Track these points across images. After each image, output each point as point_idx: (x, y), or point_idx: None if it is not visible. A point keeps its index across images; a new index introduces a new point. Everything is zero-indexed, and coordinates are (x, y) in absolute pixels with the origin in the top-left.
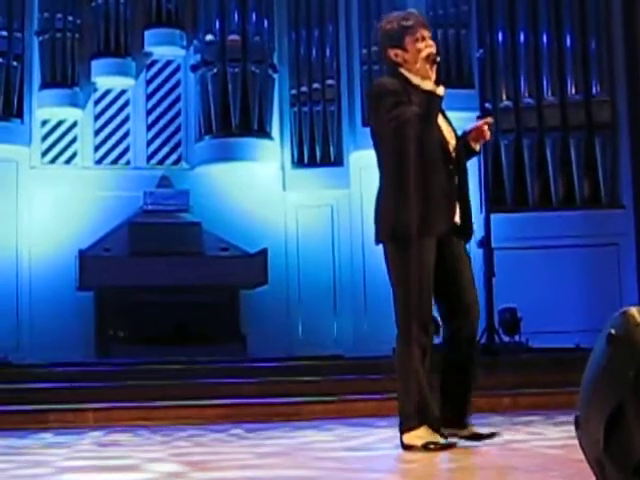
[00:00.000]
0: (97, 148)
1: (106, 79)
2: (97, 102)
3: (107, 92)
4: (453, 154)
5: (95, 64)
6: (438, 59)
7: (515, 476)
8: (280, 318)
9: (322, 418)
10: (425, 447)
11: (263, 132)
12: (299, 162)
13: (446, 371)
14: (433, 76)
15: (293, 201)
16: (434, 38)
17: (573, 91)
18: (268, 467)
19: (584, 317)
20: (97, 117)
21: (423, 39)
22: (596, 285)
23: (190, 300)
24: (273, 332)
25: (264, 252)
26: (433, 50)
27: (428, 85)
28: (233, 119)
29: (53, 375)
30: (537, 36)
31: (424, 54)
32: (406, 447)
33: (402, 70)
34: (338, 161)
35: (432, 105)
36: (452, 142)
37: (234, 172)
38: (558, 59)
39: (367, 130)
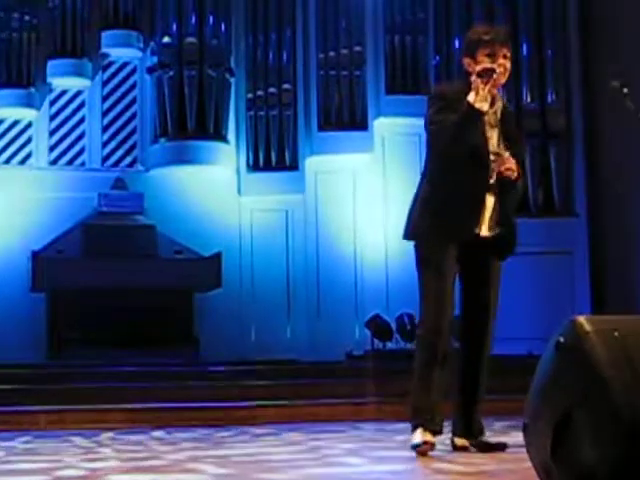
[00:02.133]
0: (52, 149)
1: (62, 80)
2: (52, 103)
3: (63, 93)
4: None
5: (51, 64)
6: (502, 79)
7: None
8: (233, 322)
9: (274, 422)
10: (412, 448)
11: (219, 135)
12: (254, 166)
13: (459, 380)
14: (483, 91)
15: (248, 205)
16: (390, 44)
17: (529, 99)
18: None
19: (537, 325)
20: (52, 118)
21: (494, 55)
22: (549, 293)
23: (143, 303)
24: (226, 336)
25: (218, 255)
26: (487, 66)
27: (471, 97)
28: (189, 122)
29: (3, 377)
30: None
31: (477, 68)
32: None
33: (472, 79)
34: (293, 166)
35: (468, 117)
36: (504, 154)
37: (189, 175)
38: (514, 67)
39: (323, 135)
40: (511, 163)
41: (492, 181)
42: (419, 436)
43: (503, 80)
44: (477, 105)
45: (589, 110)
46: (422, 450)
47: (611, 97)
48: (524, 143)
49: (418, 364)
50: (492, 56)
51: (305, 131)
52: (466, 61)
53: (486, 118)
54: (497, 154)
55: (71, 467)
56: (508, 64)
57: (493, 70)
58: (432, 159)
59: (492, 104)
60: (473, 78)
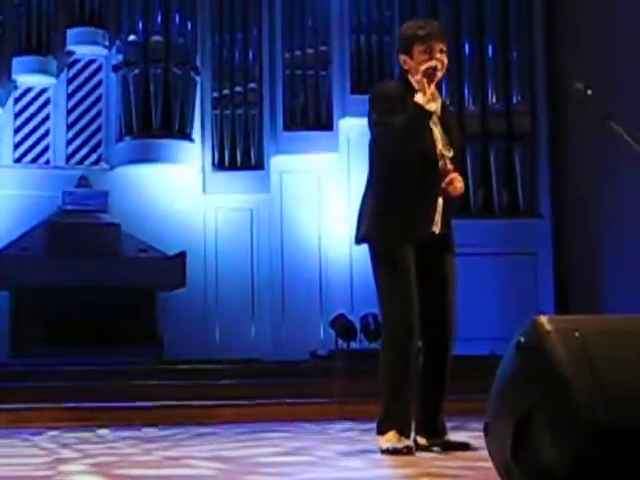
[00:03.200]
0: (16, 146)
1: (27, 77)
2: (17, 100)
3: (27, 90)
4: (448, 166)
5: (16, 62)
6: (439, 74)
7: None
8: (197, 321)
9: (237, 422)
10: (384, 451)
11: (184, 134)
12: (220, 165)
13: (422, 379)
14: (429, 90)
15: (213, 204)
16: (356, 43)
17: (494, 100)
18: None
19: (500, 325)
20: (17, 115)
21: (431, 51)
22: (513, 293)
23: (107, 301)
24: (190, 335)
25: (182, 254)
26: (432, 64)
27: (420, 98)
28: (154, 120)
29: None
30: (459, 45)
31: (422, 67)
32: (380, 450)
33: (409, 76)
34: (259, 165)
35: (417, 118)
36: (447, 154)
37: (154, 173)
38: (480, 68)
39: (288, 134)
40: (460, 182)
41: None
42: (396, 440)
43: (440, 75)
44: (426, 106)
45: (554, 112)
46: (404, 454)
47: (575, 99)
48: (463, 139)
49: (389, 365)
50: (429, 52)
51: (270, 130)
52: (402, 58)
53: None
54: (441, 155)
55: (29, 465)
56: (445, 59)
57: (435, 68)
58: (379, 161)
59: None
60: (418, 78)
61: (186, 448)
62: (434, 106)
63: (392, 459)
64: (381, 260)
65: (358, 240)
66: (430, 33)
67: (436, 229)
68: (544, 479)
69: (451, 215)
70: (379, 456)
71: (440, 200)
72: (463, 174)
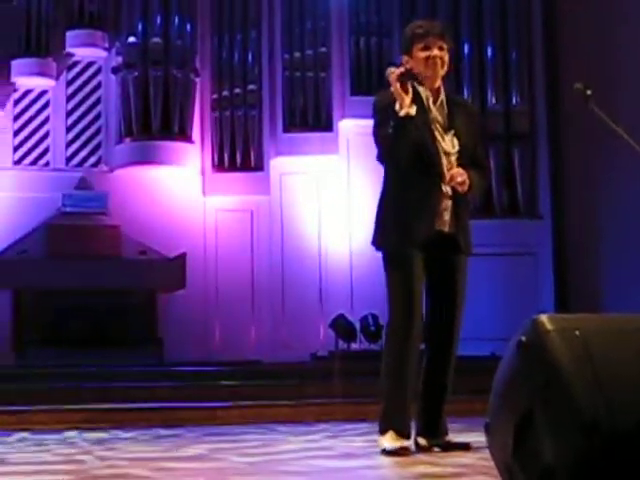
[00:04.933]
0: (16, 149)
1: (26, 79)
2: (17, 102)
3: (27, 92)
4: (452, 163)
5: (15, 64)
6: (440, 71)
7: None
8: (198, 322)
9: (237, 423)
10: (383, 452)
11: (184, 136)
12: (219, 166)
13: (424, 380)
14: (407, 96)
15: (213, 205)
16: (355, 45)
17: (493, 101)
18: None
19: (501, 325)
20: (16, 117)
21: (428, 48)
22: (513, 294)
23: (107, 303)
24: (190, 336)
25: (183, 256)
26: (402, 69)
27: (397, 106)
28: (154, 122)
29: None
30: (458, 46)
31: (394, 74)
32: (380, 450)
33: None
34: (258, 166)
35: (398, 127)
36: (452, 151)
37: (154, 175)
38: (479, 69)
39: (288, 136)
40: (462, 176)
41: (446, 187)
42: (393, 441)
43: (441, 72)
44: (402, 113)
45: (553, 112)
46: (399, 455)
47: (575, 99)
48: (479, 133)
49: (389, 366)
50: (427, 49)
51: (270, 132)
52: (404, 59)
53: (432, 116)
54: (447, 153)
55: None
56: (445, 56)
57: (408, 73)
58: (385, 168)
59: (435, 100)
60: (392, 87)
61: (191, 448)
62: (412, 110)
63: (391, 459)
64: (388, 263)
65: (373, 244)
66: (428, 31)
67: (445, 228)
68: (545, 477)
69: (464, 214)
70: (379, 456)
71: (449, 198)
72: (480, 166)
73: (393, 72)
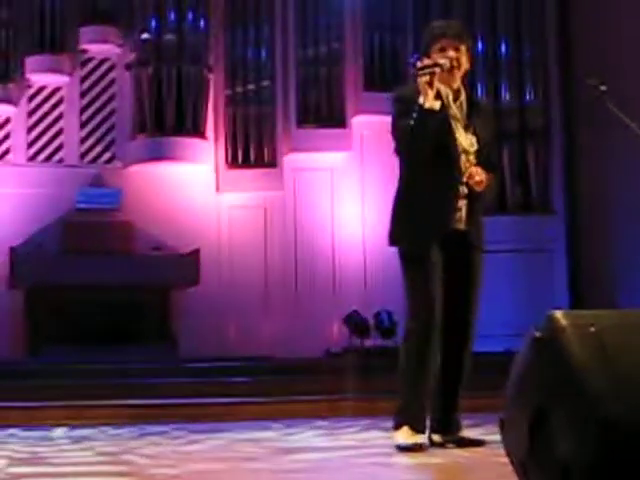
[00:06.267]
0: (30, 145)
1: (40, 76)
2: (31, 99)
3: (41, 89)
4: (471, 161)
5: (29, 60)
6: (437, 70)
7: (441, 478)
8: (212, 318)
9: (253, 419)
10: (397, 447)
11: (197, 132)
12: (233, 163)
13: (439, 376)
14: (431, 90)
15: (226, 202)
16: (369, 41)
17: (507, 97)
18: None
19: (515, 321)
20: (31, 114)
21: (443, 50)
22: (527, 290)
23: (122, 299)
24: (204, 332)
25: (196, 252)
26: (427, 62)
27: (421, 99)
28: (167, 119)
29: None
30: (472, 43)
31: (417, 66)
32: (395, 446)
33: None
34: (272, 163)
35: (421, 120)
36: (470, 149)
37: (167, 171)
38: (493, 66)
39: (302, 132)
40: (480, 175)
41: (463, 186)
42: (408, 437)
43: (458, 74)
44: (427, 106)
45: (567, 108)
46: (413, 451)
47: (589, 95)
48: (494, 135)
49: (407, 362)
50: (443, 50)
51: (284, 128)
52: (423, 60)
53: (451, 113)
54: (465, 151)
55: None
56: (462, 57)
57: (435, 64)
58: (402, 163)
59: (455, 99)
60: (419, 79)
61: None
62: (437, 104)
63: (405, 455)
64: (404, 261)
65: (389, 242)
66: (444, 32)
67: (461, 226)
68: (560, 475)
69: (479, 212)
70: (393, 452)
71: (465, 196)
72: (493, 167)
73: (421, 64)
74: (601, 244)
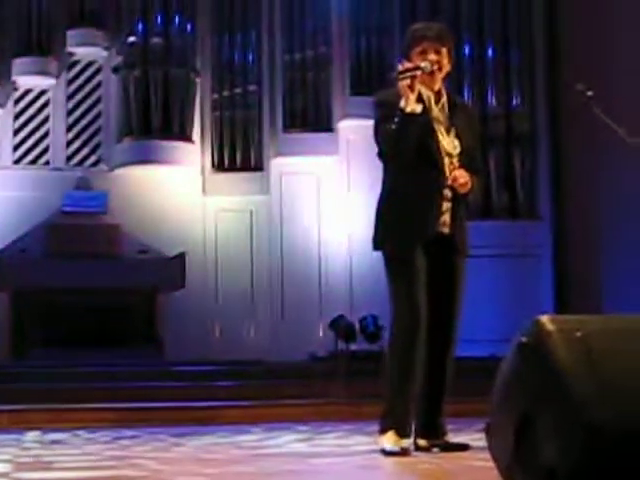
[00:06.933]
0: (16, 148)
1: (26, 78)
2: (17, 101)
3: (27, 91)
4: (454, 163)
5: (16, 63)
6: (418, 73)
7: None
8: (198, 322)
9: (238, 423)
10: (382, 451)
11: (184, 135)
12: (219, 166)
13: (423, 380)
14: (412, 94)
15: (212, 205)
16: (356, 45)
17: (494, 102)
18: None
19: (500, 327)
20: (17, 116)
21: (424, 52)
22: (513, 295)
23: (107, 302)
24: (190, 336)
25: (182, 255)
26: (408, 65)
27: (402, 102)
28: (154, 122)
29: None
30: (459, 47)
31: (398, 69)
32: (380, 450)
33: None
34: (259, 166)
35: (403, 123)
36: (453, 152)
37: (154, 175)
38: (479, 70)
39: (288, 136)
40: (464, 178)
41: (446, 189)
42: (393, 441)
43: (440, 76)
44: (408, 109)
45: (554, 114)
46: (399, 455)
47: (576, 100)
48: (478, 136)
49: (392, 366)
50: (423, 53)
51: (270, 132)
52: (403, 62)
53: (433, 115)
54: (448, 154)
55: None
56: (443, 59)
57: (416, 67)
58: (385, 167)
59: (437, 101)
60: (400, 83)
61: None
62: (418, 108)
63: (390, 459)
64: (388, 264)
65: (374, 247)
66: (425, 35)
67: (445, 229)
68: (547, 479)
69: (463, 216)
70: (378, 456)
71: (449, 199)
72: (477, 169)
73: (402, 68)
74: (587, 250)
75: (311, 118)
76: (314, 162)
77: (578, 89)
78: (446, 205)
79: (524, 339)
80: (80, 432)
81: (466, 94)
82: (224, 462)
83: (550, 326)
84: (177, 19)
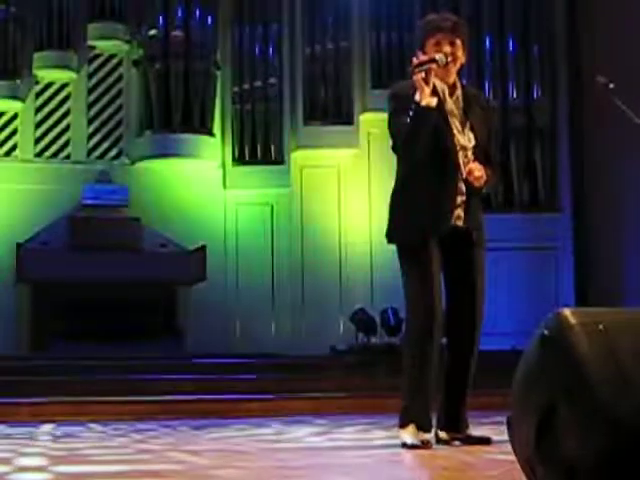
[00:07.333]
0: (37, 141)
1: (48, 72)
2: (38, 95)
3: (49, 85)
4: (469, 157)
5: (37, 56)
6: (433, 65)
7: (447, 476)
8: (218, 315)
9: (259, 416)
10: (403, 445)
11: (204, 129)
12: (240, 160)
13: (446, 373)
14: (427, 87)
15: (233, 198)
16: (376, 38)
17: (514, 95)
18: (195, 464)
19: (521, 320)
20: (38, 110)
21: (438, 44)
22: (534, 288)
23: (128, 296)
24: (211, 329)
25: (203, 249)
26: (423, 58)
27: (417, 96)
28: (175, 115)
29: None
30: (480, 40)
31: (414, 63)
32: (401, 444)
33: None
34: (279, 159)
35: (418, 116)
36: (468, 145)
37: (174, 168)
38: (500, 63)
39: (309, 129)
40: (479, 171)
41: (461, 182)
42: (413, 435)
43: (454, 68)
44: (423, 103)
45: (575, 105)
46: (420, 449)
47: (597, 93)
48: (494, 128)
49: (410, 360)
50: (438, 45)
51: (291, 125)
52: (418, 54)
53: (448, 108)
54: (463, 147)
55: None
56: (458, 52)
57: (432, 60)
58: (399, 160)
59: (451, 93)
60: (414, 76)
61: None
62: (433, 101)
63: (411, 453)
64: (403, 258)
65: (387, 240)
66: (439, 26)
67: (459, 223)
68: (567, 473)
69: (478, 209)
70: (399, 450)
71: (463, 193)
72: (489, 163)
73: (417, 61)
74: (608, 242)
75: (332, 111)
76: (335, 155)
77: (599, 81)
78: (460, 199)
79: (545, 332)
80: (101, 425)
81: (487, 87)
82: (252, 456)
83: (572, 319)
84: (198, 12)
